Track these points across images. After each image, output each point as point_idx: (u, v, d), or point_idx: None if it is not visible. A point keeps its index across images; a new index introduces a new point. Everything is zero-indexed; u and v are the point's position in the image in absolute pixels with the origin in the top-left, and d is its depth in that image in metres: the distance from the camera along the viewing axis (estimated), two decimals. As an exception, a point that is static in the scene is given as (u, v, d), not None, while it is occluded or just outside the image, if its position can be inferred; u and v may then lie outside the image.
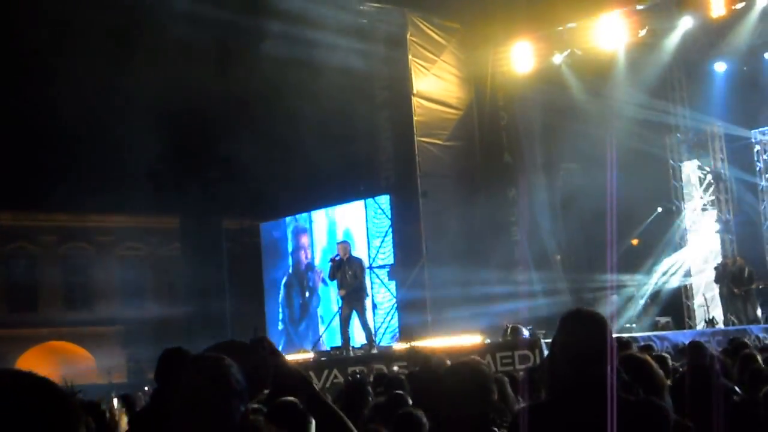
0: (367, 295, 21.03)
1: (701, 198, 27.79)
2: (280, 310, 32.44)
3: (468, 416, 5.29)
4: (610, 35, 25.43)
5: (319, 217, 31.66)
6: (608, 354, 3.95)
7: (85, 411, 4.71)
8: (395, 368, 16.94)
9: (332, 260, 21.17)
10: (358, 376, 15.86)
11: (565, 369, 4.07)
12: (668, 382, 7.13)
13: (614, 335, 8.01)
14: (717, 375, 7.99)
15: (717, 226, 27.39)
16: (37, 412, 2.28)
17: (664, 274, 26.81)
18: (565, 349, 4.13)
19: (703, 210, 27.75)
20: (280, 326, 32.35)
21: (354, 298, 20.53)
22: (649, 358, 6.39)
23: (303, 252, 32.14)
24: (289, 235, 32.58)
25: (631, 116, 25.54)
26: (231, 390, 3.61)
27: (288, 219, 32.80)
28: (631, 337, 17.44)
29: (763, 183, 27.26)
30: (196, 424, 3.59)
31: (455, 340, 20.51)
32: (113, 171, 38.02)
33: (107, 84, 30.99)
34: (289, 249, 32.60)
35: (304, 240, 32.11)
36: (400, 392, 8.31)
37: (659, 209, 27.58)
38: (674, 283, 26.96)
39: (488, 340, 20.36)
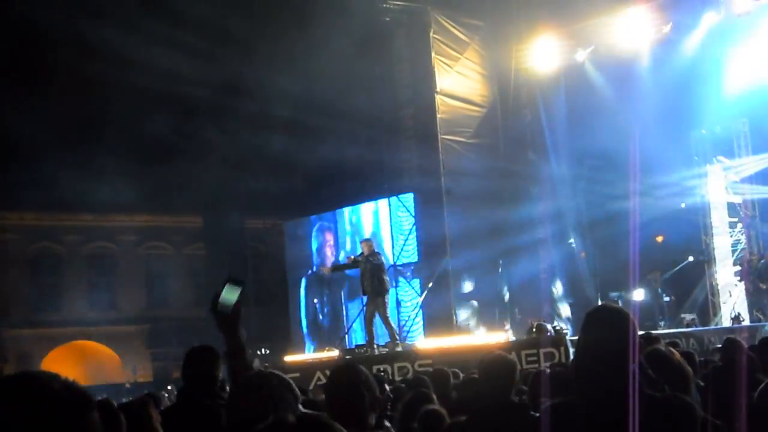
0: (387, 292, 20.95)
1: (726, 194, 27.60)
2: (304, 308, 32.44)
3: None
4: (634, 31, 25.37)
5: (343, 216, 31.66)
6: (632, 350, 3.91)
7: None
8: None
9: (354, 258, 21.20)
10: (382, 374, 15.83)
11: (589, 365, 4.04)
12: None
13: (641, 331, 8.00)
14: (752, 372, 7.91)
15: (741, 223, 27.22)
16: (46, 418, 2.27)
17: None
18: (589, 346, 4.10)
19: (728, 206, 27.58)
20: (305, 324, 32.37)
21: (374, 295, 20.53)
22: (676, 352, 6.36)
23: (328, 250, 32.14)
24: (314, 234, 32.57)
25: (655, 113, 25.39)
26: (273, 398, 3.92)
27: (312, 218, 32.79)
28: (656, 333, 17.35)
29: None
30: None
31: (480, 337, 20.49)
32: (136, 171, 38.14)
33: (129, 83, 31.09)
34: (314, 247, 32.59)
35: (329, 238, 32.11)
36: (424, 390, 8.35)
37: (683, 205, 27.43)
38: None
39: (513, 338, 20.33)
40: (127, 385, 35.50)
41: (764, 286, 24.32)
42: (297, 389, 4.09)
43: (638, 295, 25.34)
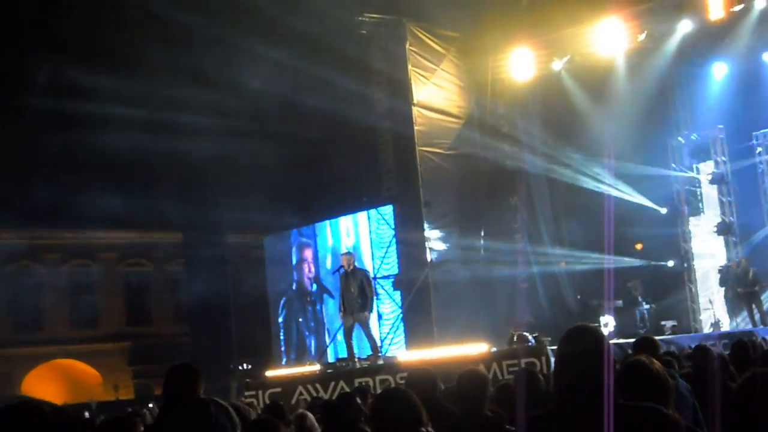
0: (371, 309, 20.90)
1: (703, 201, 27.66)
2: (284, 322, 32.40)
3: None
4: (609, 40, 25.46)
5: (323, 230, 31.64)
6: (605, 366, 3.95)
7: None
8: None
9: (337, 272, 21.13)
10: (365, 386, 15.80)
11: (564, 381, 4.08)
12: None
13: (645, 335, 8.03)
14: (722, 379, 7.95)
15: (720, 229, 27.23)
16: None
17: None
18: (564, 363, 4.15)
19: (705, 212, 27.63)
20: (286, 339, 32.32)
21: (357, 309, 20.45)
22: (656, 362, 6.39)
23: (307, 265, 32.11)
24: (293, 248, 32.55)
25: (631, 121, 25.46)
26: (211, 425, 3.67)
27: (293, 232, 32.76)
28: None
29: (766, 184, 27.10)
30: None
31: (461, 348, 20.46)
32: (116, 187, 38.04)
33: (107, 100, 31.03)
34: (293, 262, 32.56)
35: (308, 253, 32.09)
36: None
37: (663, 210, 27.47)
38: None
39: (494, 349, 20.31)
40: (92, 404, 35.11)
41: (742, 292, 24.36)
42: (236, 417, 3.93)
43: (618, 303, 25.36)
